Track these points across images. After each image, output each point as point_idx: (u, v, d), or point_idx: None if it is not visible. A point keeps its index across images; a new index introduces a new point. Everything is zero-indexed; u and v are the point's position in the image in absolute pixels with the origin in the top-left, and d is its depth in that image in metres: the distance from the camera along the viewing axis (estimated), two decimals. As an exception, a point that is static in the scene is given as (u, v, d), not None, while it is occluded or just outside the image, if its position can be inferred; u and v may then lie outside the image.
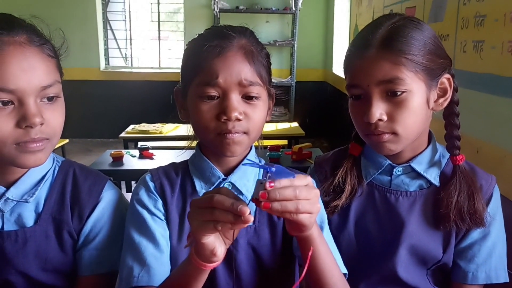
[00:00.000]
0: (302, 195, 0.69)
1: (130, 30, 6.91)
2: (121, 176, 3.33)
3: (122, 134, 4.13)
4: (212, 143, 0.92)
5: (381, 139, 0.95)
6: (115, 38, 6.85)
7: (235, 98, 0.89)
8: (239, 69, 0.89)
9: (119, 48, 6.91)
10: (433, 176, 1.03)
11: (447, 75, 0.98)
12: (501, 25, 1.89)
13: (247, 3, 6.25)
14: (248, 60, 0.90)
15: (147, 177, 1.01)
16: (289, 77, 6.38)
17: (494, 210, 1.02)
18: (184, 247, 0.83)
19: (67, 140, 5.16)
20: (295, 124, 4.85)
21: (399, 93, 0.91)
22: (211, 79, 0.88)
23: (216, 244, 0.73)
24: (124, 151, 3.44)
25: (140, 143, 3.72)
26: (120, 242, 1.00)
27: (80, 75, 6.26)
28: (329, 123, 6.19)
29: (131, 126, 4.32)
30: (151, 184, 0.99)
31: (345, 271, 0.94)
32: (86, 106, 6.39)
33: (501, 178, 1.06)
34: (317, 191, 0.74)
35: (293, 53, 6.34)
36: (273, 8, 6.25)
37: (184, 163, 1.04)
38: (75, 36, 6.15)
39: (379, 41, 0.92)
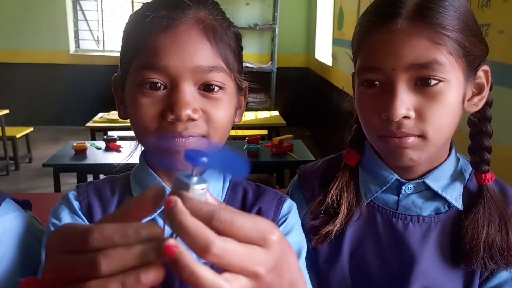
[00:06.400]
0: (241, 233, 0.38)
1: (102, 11, 6.70)
2: (86, 171, 3.14)
3: (89, 123, 3.84)
4: (155, 150, 0.70)
5: (404, 144, 0.71)
6: (85, 20, 6.65)
7: (188, 90, 0.65)
8: (194, 50, 0.65)
9: (90, 30, 6.73)
10: (454, 196, 0.80)
11: (485, 67, 0.76)
12: (511, 5, 1.68)
13: (226, -16, 6.03)
14: (208, 38, 0.67)
15: (71, 195, 0.76)
16: (270, 63, 6.29)
17: None
18: None
19: (31, 128, 4.89)
20: (276, 113, 4.80)
21: (434, 82, 0.69)
22: (155, 62, 0.65)
23: None
24: (88, 142, 3.20)
25: (110, 133, 3.46)
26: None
27: (48, 59, 6.10)
28: (312, 111, 6.15)
29: (100, 114, 4.07)
30: (76, 204, 0.75)
31: None
32: (55, 92, 6.26)
33: (509, 182, 0.86)
34: (275, 251, 0.40)
35: (274, 38, 6.25)
36: (254, -10, 6.08)
37: (126, 177, 0.79)
38: (43, 17, 6.08)
39: (411, 10, 0.69)
